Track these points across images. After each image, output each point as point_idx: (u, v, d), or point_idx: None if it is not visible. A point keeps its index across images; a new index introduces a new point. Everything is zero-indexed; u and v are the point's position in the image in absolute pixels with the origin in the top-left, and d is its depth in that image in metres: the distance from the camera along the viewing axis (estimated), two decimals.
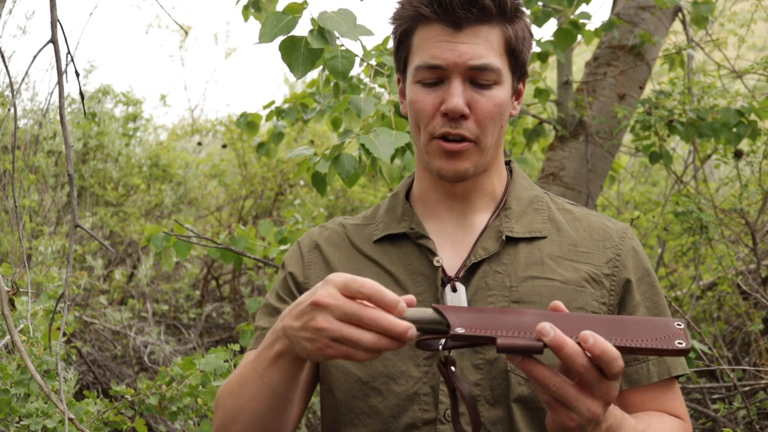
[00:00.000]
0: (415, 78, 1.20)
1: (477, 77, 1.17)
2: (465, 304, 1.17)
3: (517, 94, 1.28)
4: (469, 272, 1.21)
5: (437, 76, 1.18)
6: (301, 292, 1.28)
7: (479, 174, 1.25)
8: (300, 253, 1.34)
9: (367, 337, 0.92)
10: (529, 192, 1.32)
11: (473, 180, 1.25)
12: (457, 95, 1.15)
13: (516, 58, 1.22)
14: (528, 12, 3.01)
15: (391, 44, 2.34)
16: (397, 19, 1.24)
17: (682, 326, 0.93)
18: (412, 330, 0.91)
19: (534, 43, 3.07)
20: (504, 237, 1.23)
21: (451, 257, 1.23)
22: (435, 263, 1.20)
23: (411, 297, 0.98)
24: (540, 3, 3.01)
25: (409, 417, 1.17)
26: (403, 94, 1.28)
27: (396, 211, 1.29)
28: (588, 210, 1.35)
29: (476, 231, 1.26)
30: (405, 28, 1.22)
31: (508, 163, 1.38)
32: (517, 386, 1.16)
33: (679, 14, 3.55)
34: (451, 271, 1.22)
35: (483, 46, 1.17)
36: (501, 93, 1.19)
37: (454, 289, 1.17)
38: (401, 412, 1.17)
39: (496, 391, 1.17)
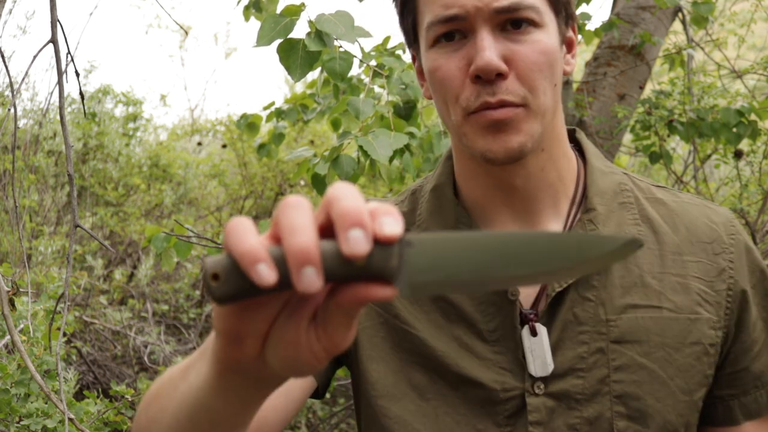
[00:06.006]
0: (430, 40, 0.91)
1: (509, 21, 0.88)
2: (547, 351, 0.90)
3: (568, 43, 0.97)
4: (552, 303, 0.92)
5: (457, 28, 0.89)
6: None
7: (537, 155, 0.93)
8: None
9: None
10: (611, 179, 0.98)
11: (533, 164, 0.93)
12: (486, 48, 0.86)
13: None
14: None
15: (390, 44, 2.34)
16: None
17: None
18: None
19: None
20: None
21: None
22: (510, 296, 0.91)
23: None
24: None
25: None
26: (421, 73, 0.99)
27: (445, 215, 0.98)
28: (683, 195, 1.02)
29: None
30: None
31: (570, 135, 1.03)
32: None
33: (679, 14, 3.55)
34: (527, 302, 0.93)
35: None
36: (545, 37, 0.89)
37: (534, 333, 0.90)
38: None
39: None
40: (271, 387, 0.63)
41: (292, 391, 0.97)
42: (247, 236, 0.52)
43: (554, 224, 0.96)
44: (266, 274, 0.51)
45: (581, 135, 1.03)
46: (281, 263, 0.52)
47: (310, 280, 0.50)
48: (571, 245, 0.54)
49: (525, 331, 0.90)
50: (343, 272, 0.52)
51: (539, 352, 0.90)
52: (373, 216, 0.53)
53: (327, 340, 0.56)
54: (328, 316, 0.55)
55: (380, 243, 0.52)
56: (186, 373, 0.70)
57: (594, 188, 0.96)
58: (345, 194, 0.53)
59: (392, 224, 0.52)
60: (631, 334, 0.91)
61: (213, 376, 0.62)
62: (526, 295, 0.93)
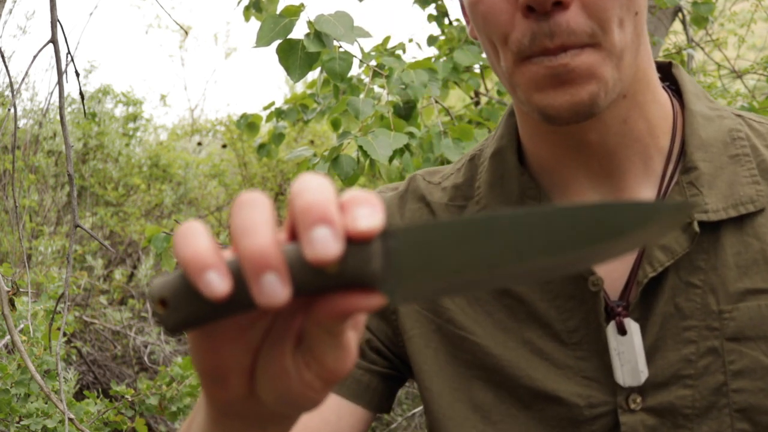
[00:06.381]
0: None
1: None
2: (640, 353, 0.70)
3: None
4: (646, 293, 0.71)
5: None
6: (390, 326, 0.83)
7: (617, 104, 0.71)
8: None
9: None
10: (718, 125, 0.75)
11: (612, 115, 0.71)
12: None
13: None
14: None
15: (390, 44, 2.34)
16: None
17: None
18: None
19: None
20: (695, 224, 0.70)
21: (608, 264, 0.70)
22: (591, 287, 0.72)
23: None
24: None
25: None
26: (464, 8, 0.80)
27: (507, 186, 0.78)
28: None
29: None
30: None
31: (664, 72, 0.81)
32: None
33: (679, 14, 3.55)
34: (614, 292, 0.73)
35: None
36: None
37: (623, 331, 0.70)
38: None
39: None
40: (278, 427, 0.53)
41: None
42: (195, 240, 0.41)
43: (645, 189, 0.74)
44: (216, 283, 0.40)
45: (679, 70, 0.79)
46: (238, 274, 0.41)
47: (272, 289, 0.39)
48: (602, 219, 0.41)
49: (611, 329, 0.71)
50: (316, 282, 0.41)
51: (629, 355, 0.70)
52: (344, 208, 0.41)
53: (318, 367, 0.46)
54: (311, 339, 0.45)
55: (356, 242, 0.41)
56: (189, 429, 0.60)
57: (695, 140, 0.73)
58: (308, 186, 0.41)
59: (369, 216, 0.41)
60: (753, 329, 0.69)
61: (211, 424, 0.53)
62: (612, 281, 0.72)
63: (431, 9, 2.96)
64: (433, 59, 2.09)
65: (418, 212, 0.82)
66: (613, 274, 0.72)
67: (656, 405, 0.70)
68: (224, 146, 5.53)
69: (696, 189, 0.72)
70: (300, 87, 7.02)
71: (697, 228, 0.70)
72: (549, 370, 0.73)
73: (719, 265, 0.71)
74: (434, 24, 3.00)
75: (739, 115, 0.77)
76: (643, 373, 0.70)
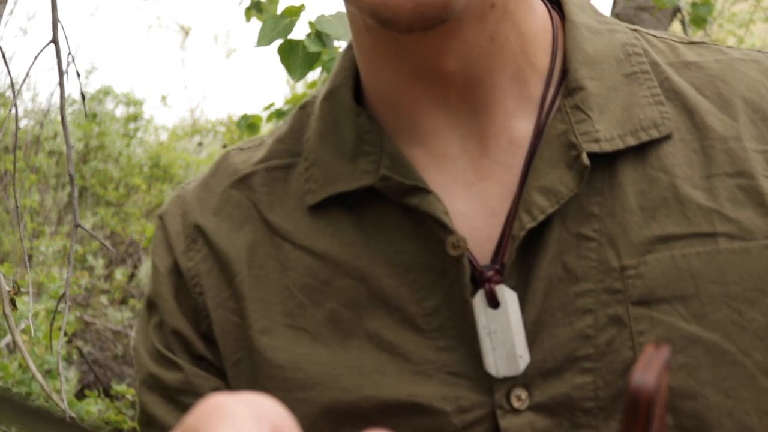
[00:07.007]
0: None
1: None
2: (518, 331, 0.51)
3: None
4: (524, 252, 0.52)
5: None
6: (198, 339, 0.60)
7: (484, 15, 0.51)
8: (171, 253, 0.61)
9: None
10: (608, 39, 0.58)
11: (476, 31, 0.52)
12: None
13: None
14: None
15: None
16: None
17: None
18: None
19: None
20: (584, 156, 0.52)
21: (473, 220, 0.54)
22: (451, 249, 0.51)
23: None
24: None
25: None
26: None
27: (342, 134, 0.58)
28: (733, 51, 0.60)
29: (516, 151, 0.55)
30: None
31: None
32: None
33: (678, 15, 3.56)
34: (485, 256, 0.53)
35: None
36: None
37: (494, 303, 0.51)
38: None
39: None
40: None
41: None
42: None
43: (520, 120, 0.55)
44: None
45: None
46: None
47: None
48: None
49: (479, 301, 0.51)
50: None
51: (504, 334, 0.51)
52: None
53: None
54: None
55: None
56: None
57: (579, 55, 0.56)
58: None
59: None
60: (666, 287, 0.51)
61: None
62: (482, 240, 0.53)
63: None
64: None
65: (227, 194, 0.61)
66: (482, 231, 0.53)
67: (547, 400, 0.51)
68: (225, 146, 5.54)
69: (583, 113, 0.54)
70: (300, 87, 7.03)
71: (586, 161, 0.51)
72: (402, 370, 0.53)
73: (618, 210, 0.53)
74: None
75: (635, 29, 0.61)
76: (522, 358, 0.51)
